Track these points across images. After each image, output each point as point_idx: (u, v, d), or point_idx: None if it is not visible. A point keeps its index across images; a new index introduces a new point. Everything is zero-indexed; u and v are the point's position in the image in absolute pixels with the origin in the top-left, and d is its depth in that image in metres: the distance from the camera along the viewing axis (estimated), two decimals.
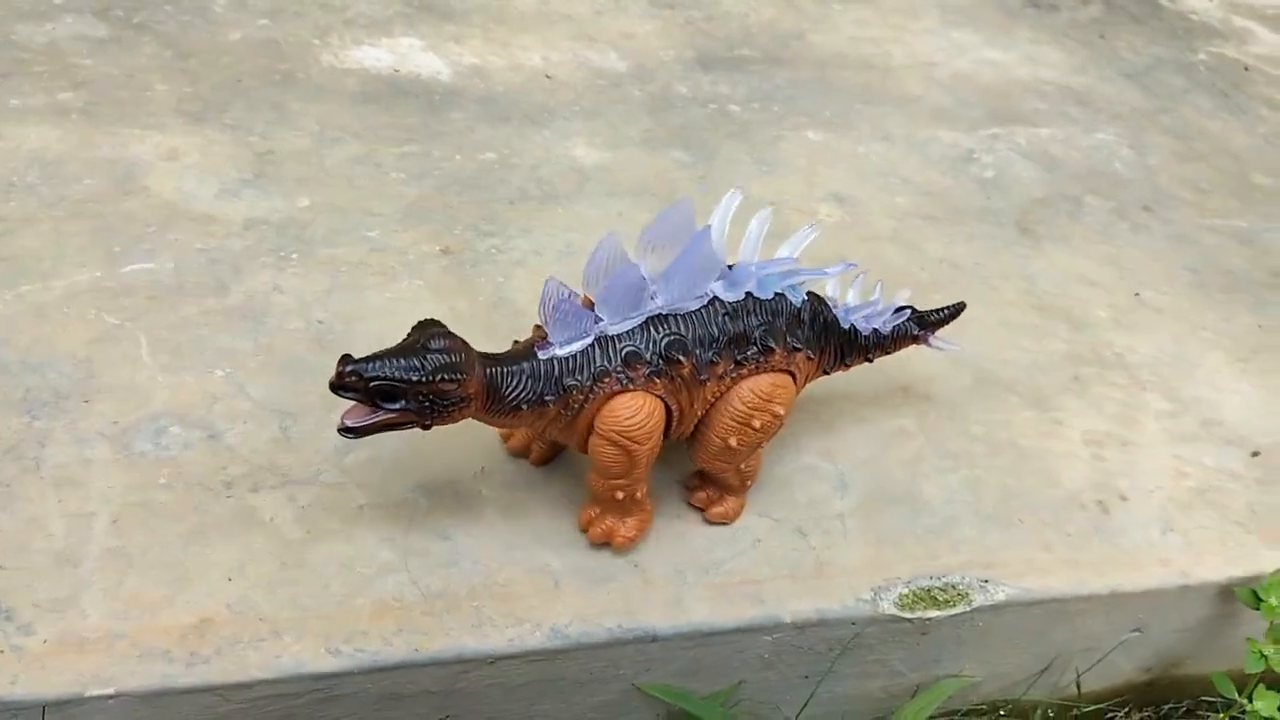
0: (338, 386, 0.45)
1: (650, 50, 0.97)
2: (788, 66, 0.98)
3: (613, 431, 0.49)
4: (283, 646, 0.48)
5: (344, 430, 0.46)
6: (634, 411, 0.49)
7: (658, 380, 0.50)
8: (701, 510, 0.56)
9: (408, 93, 0.85)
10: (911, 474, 0.61)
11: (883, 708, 0.59)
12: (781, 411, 0.52)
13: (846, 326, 0.57)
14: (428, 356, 0.46)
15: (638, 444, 0.50)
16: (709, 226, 0.50)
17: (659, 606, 0.52)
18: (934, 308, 0.62)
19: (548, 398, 0.49)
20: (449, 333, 0.48)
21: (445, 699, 0.51)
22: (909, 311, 0.59)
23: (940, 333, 0.61)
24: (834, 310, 0.56)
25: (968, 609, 0.56)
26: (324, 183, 0.74)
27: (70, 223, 0.67)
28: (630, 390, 0.49)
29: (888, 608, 0.55)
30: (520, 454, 0.57)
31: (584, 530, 0.54)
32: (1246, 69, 1.14)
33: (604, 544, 0.53)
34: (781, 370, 0.53)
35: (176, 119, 0.77)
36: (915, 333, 0.60)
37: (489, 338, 0.62)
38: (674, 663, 0.53)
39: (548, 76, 0.90)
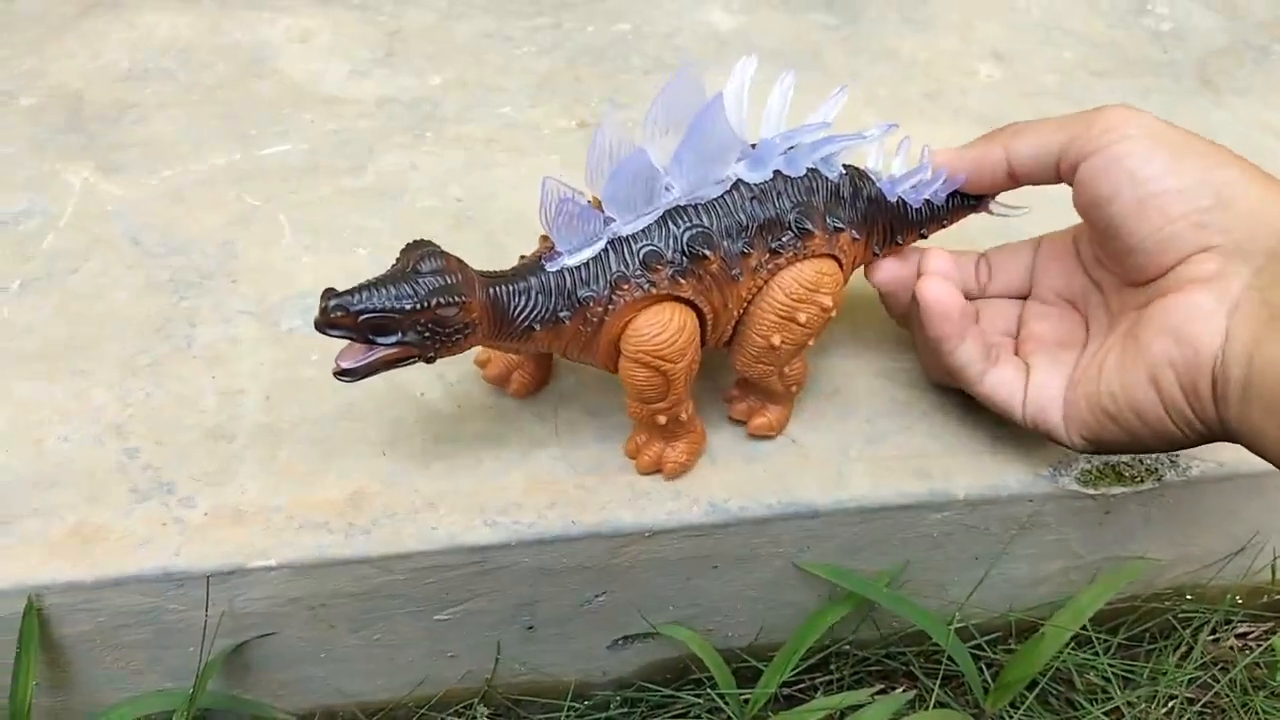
0: (324, 325, 0.39)
1: None
2: None
3: (641, 352, 0.43)
4: (438, 518, 0.47)
5: (339, 374, 0.40)
6: (661, 327, 0.43)
7: (683, 281, 0.43)
8: (743, 423, 0.50)
9: None
10: None
11: (1060, 592, 0.56)
12: (829, 302, 0.45)
13: (894, 199, 0.48)
14: (420, 280, 0.40)
15: (671, 362, 0.43)
16: (720, 95, 0.41)
17: (819, 481, 0.49)
18: None
19: (562, 314, 0.43)
20: (441, 251, 0.41)
21: (600, 575, 0.49)
22: (963, 177, 0.49)
23: (1004, 196, 0.50)
24: (878, 183, 0.48)
25: (1156, 485, 0.51)
26: (453, 59, 0.72)
27: (204, 107, 0.66)
28: (653, 299, 0.43)
29: (1069, 483, 0.51)
30: (498, 384, 0.51)
31: (631, 458, 0.49)
32: None
33: (654, 472, 0.48)
34: (824, 255, 0.45)
35: (304, 1, 0.75)
36: (973, 200, 0.50)
37: None
38: (835, 540, 0.50)
39: None
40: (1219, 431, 0.40)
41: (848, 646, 0.56)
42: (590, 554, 0.48)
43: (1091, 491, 0.51)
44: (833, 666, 0.56)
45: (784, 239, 0.44)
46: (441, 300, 0.40)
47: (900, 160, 0.50)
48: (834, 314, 0.46)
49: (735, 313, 0.46)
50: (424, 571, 0.47)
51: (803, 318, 0.45)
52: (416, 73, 0.70)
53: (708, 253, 0.43)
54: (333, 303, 0.39)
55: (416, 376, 0.52)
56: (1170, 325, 0.41)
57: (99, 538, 0.45)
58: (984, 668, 0.56)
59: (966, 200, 0.50)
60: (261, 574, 0.45)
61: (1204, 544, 0.55)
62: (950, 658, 0.54)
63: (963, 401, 0.52)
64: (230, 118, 0.65)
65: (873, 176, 0.48)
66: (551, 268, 0.43)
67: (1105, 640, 0.58)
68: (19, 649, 0.45)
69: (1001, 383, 0.47)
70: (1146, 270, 0.43)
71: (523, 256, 0.45)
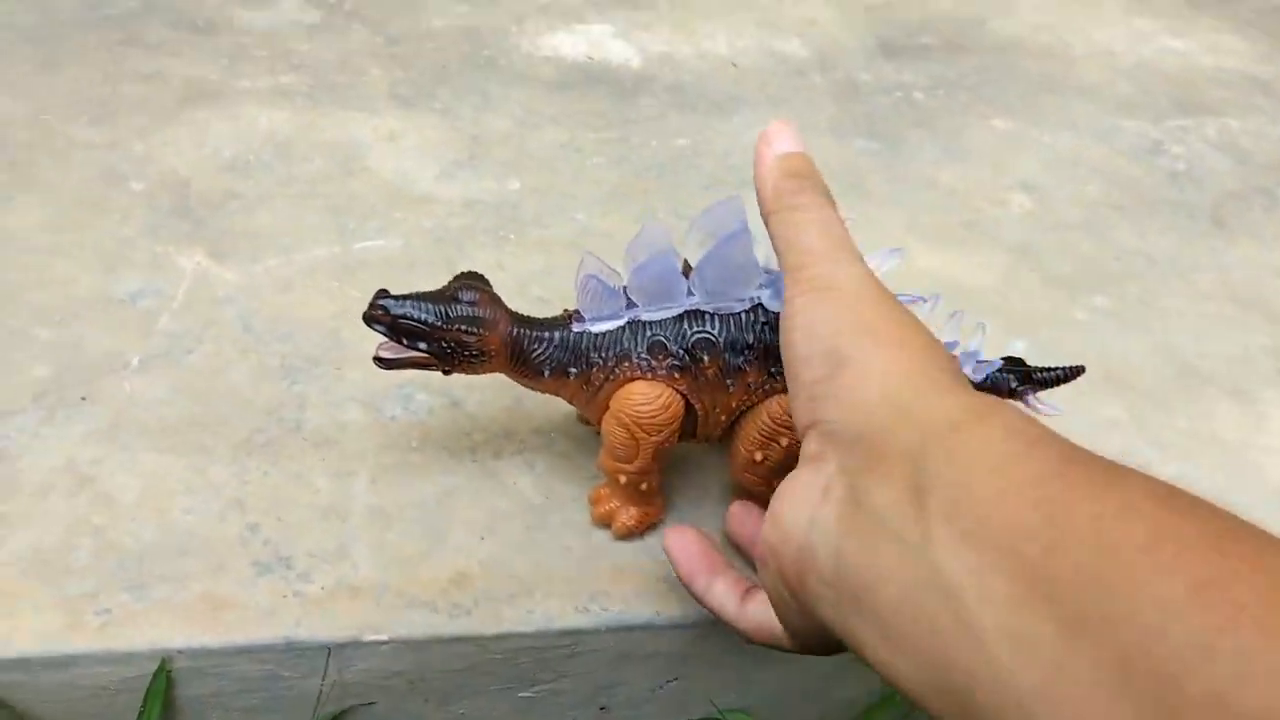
0: (369, 318, 0.47)
1: (832, 37, 0.98)
2: (970, 54, 0.98)
3: (624, 414, 0.48)
4: (534, 602, 0.51)
5: (377, 360, 0.48)
6: (649, 400, 0.48)
7: (679, 375, 0.48)
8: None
9: (601, 80, 0.87)
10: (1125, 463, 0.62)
11: None
12: None
13: None
14: (454, 305, 0.47)
15: (646, 433, 0.49)
16: (745, 225, 0.45)
17: None
18: (1047, 366, 0.53)
19: (570, 369, 0.49)
20: (483, 288, 0.49)
21: (675, 661, 0.53)
22: (1001, 361, 0.51)
23: (1046, 394, 0.52)
24: None
25: None
26: (529, 166, 0.77)
27: (304, 201, 0.71)
28: (650, 378, 0.48)
29: None
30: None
31: (592, 503, 0.54)
32: None
33: (604, 525, 0.54)
34: None
35: (391, 103, 0.81)
36: (1012, 387, 0.52)
37: None
38: None
39: (734, 64, 0.92)
40: (826, 635, 0.36)
41: None
42: (671, 641, 0.52)
43: None
44: None
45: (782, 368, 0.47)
46: (463, 327, 0.47)
47: (950, 327, 0.50)
48: None
49: (724, 418, 0.50)
50: (518, 652, 0.51)
51: (784, 441, 0.49)
52: (497, 177, 0.76)
53: (706, 358, 0.48)
54: (380, 302, 0.47)
55: (508, 466, 0.56)
56: (775, 501, 0.37)
57: (227, 606, 0.49)
58: None
59: (1005, 385, 0.51)
60: (373, 647, 0.49)
61: None
62: None
63: None
64: (328, 211, 0.71)
65: None
66: (576, 328, 0.49)
67: None
68: (144, 707, 0.49)
69: (756, 615, 0.43)
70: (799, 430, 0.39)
71: (566, 310, 0.51)
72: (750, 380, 0.49)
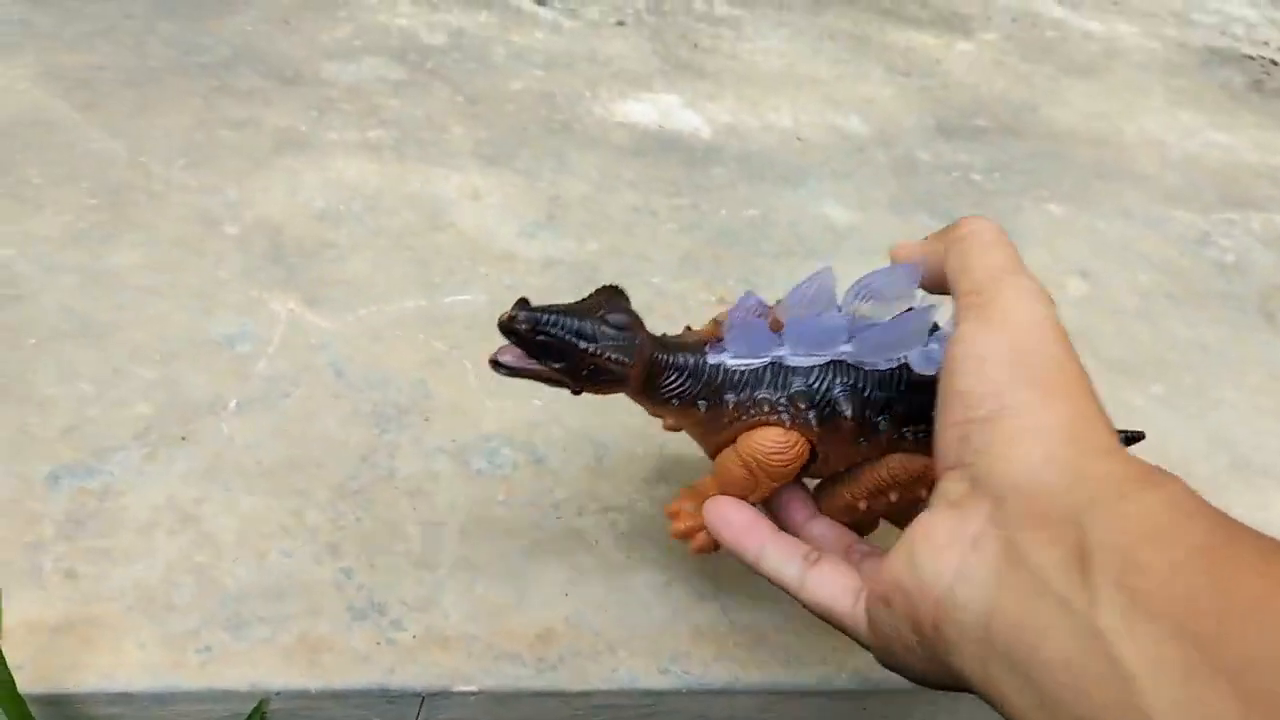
0: (506, 328, 0.43)
1: (890, 115, 1.01)
2: (1024, 138, 1.01)
3: (751, 456, 0.47)
4: (618, 661, 0.52)
5: (496, 365, 0.45)
6: (782, 448, 0.46)
7: (814, 427, 0.46)
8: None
9: (672, 147, 0.90)
10: None
11: None
12: (925, 495, 0.48)
13: None
14: (603, 330, 0.44)
15: (769, 477, 0.47)
16: (930, 307, 0.45)
17: None
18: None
19: (700, 402, 0.47)
20: (631, 310, 0.46)
21: None
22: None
23: None
24: None
25: None
26: (606, 229, 0.80)
27: (392, 253, 0.74)
28: (787, 426, 0.46)
29: None
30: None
31: (669, 516, 0.52)
32: None
33: (682, 539, 0.51)
34: None
35: (474, 161, 0.84)
36: None
37: None
38: (973, 715, 0.56)
39: (799, 139, 0.95)
40: (949, 677, 0.36)
41: None
42: (745, 706, 0.54)
43: None
44: None
45: (919, 431, 0.47)
46: (612, 356, 0.44)
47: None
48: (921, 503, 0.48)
49: (841, 467, 0.49)
50: (601, 708, 0.52)
51: (893, 497, 0.49)
52: (576, 237, 0.78)
53: (848, 414, 0.46)
54: (522, 314, 0.43)
55: (590, 524, 0.58)
56: (907, 543, 0.37)
57: (323, 649, 0.51)
58: None
59: None
60: (463, 697, 0.51)
61: None
62: None
63: None
64: (416, 264, 0.73)
65: None
66: (712, 359, 0.47)
67: None
68: None
69: (821, 587, 0.43)
70: (940, 465, 0.38)
71: (688, 328, 0.50)
72: (884, 440, 0.47)
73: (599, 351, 0.44)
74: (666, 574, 0.57)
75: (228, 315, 0.67)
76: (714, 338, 0.48)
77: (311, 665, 0.50)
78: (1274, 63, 1.23)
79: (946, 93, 1.06)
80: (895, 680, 0.54)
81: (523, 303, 0.44)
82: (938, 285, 0.44)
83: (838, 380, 0.46)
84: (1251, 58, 1.23)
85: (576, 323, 0.44)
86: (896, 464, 0.48)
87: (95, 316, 0.65)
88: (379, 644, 0.51)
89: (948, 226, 0.42)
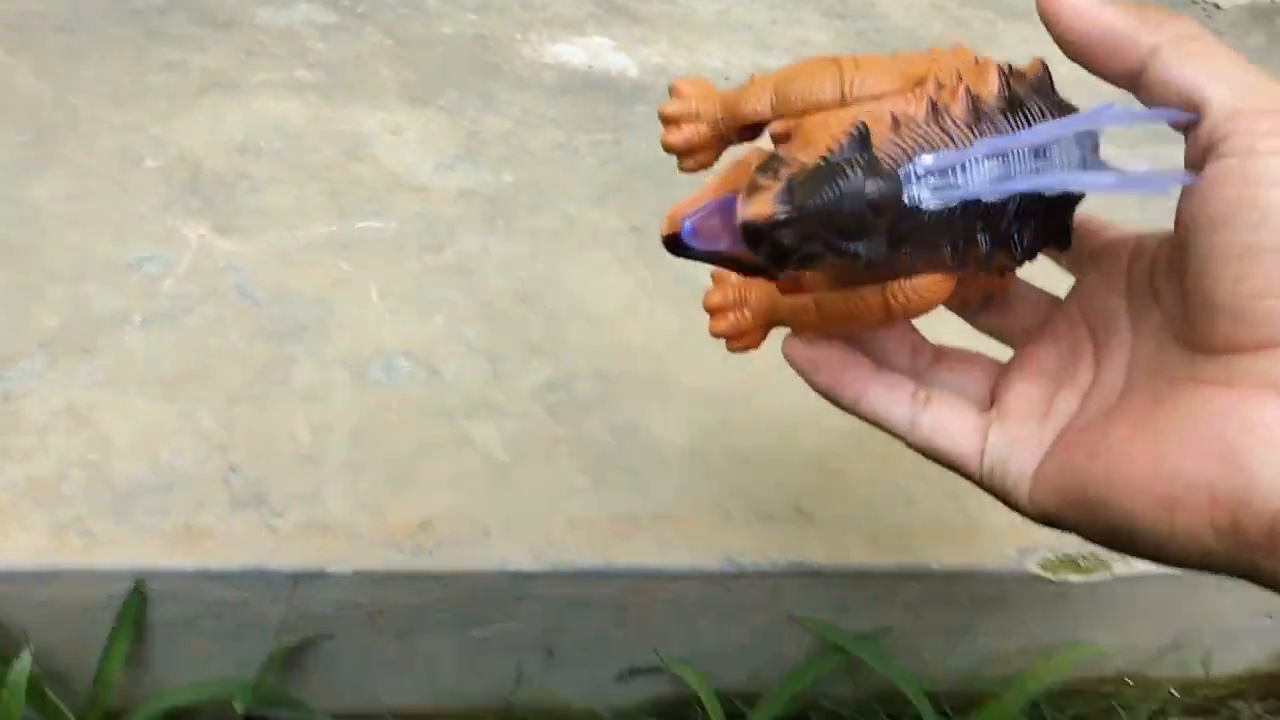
0: (755, 231, 0.31)
1: None
2: None
3: (896, 298, 0.35)
4: (491, 546, 0.54)
5: (674, 241, 0.35)
6: (936, 296, 0.35)
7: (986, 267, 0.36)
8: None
9: (600, 87, 0.92)
10: None
11: (1014, 667, 0.63)
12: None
13: None
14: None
15: (903, 315, 0.36)
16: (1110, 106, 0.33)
17: (821, 546, 0.57)
18: None
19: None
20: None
21: (621, 611, 0.57)
22: None
23: None
24: None
25: (1108, 576, 0.59)
26: (525, 163, 0.82)
27: (308, 184, 0.76)
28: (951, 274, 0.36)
29: (1031, 568, 0.58)
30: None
31: (708, 310, 0.42)
32: None
33: (720, 336, 0.41)
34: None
35: (399, 101, 0.86)
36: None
37: (673, 306, 0.69)
38: (828, 600, 0.58)
39: (726, 79, 0.96)
40: (1244, 574, 0.30)
41: (826, 702, 0.63)
42: (618, 589, 0.56)
43: (1051, 577, 0.58)
44: (811, 718, 0.63)
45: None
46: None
47: None
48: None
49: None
50: (475, 590, 0.54)
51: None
52: (493, 170, 0.80)
53: (1009, 266, 0.37)
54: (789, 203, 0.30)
55: (479, 431, 0.60)
56: (1220, 437, 0.29)
57: (204, 536, 0.53)
58: None
59: None
60: (339, 578, 0.53)
61: (1145, 636, 0.63)
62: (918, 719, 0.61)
63: (949, 490, 0.60)
64: (330, 194, 0.75)
65: None
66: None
67: (1056, 718, 0.64)
68: (116, 625, 0.52)
69: (939, 430, 0.37)
70: (1213, 338, 0.30)
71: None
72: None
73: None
74: (548, 473, 0.59)
75: (142, 242, 0.69)
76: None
77: (191, 550, 0.52)
78: (1217, 6, 1.23)
79: (882, 36, 1.07)
80: (761, 566, 0.56)
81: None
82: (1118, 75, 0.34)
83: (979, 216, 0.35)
84: (1195, 2, 1.23)
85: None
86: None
87: (12, 242, 0.68)
88: (259, 530, 0.54)
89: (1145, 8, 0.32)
